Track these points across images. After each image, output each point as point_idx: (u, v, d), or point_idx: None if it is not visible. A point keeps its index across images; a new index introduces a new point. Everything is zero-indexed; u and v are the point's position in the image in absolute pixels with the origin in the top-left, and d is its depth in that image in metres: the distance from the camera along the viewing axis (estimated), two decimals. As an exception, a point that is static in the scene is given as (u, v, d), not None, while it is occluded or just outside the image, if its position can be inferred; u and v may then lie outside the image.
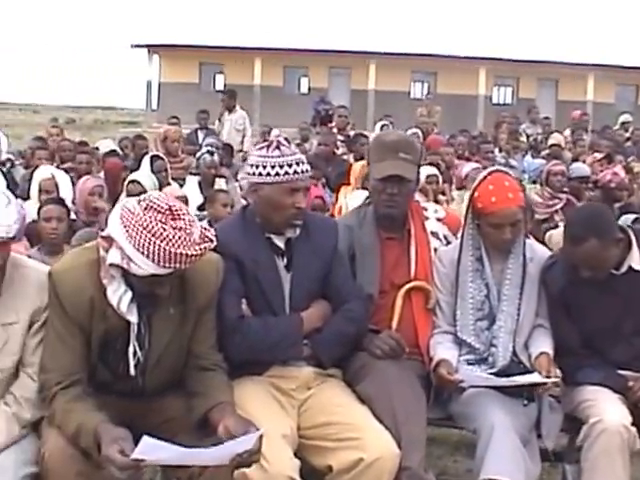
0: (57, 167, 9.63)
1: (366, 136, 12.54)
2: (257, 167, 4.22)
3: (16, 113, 42.15)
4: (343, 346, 4.38)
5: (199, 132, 15.01)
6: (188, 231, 3.56)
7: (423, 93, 39.16)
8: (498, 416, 4.22)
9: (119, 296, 3.70)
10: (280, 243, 4.30)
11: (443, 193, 9.60)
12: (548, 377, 4.40)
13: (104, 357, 3.86)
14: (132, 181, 7.61)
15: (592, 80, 37.25)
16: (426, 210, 5.05)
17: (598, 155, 11.59)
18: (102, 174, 9.92)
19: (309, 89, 38.61)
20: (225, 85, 38.59)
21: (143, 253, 3.53)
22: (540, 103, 35.80)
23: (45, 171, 8.18)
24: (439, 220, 5.06)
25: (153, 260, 3.53)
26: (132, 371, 3.84)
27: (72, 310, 3.74)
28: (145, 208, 3.57)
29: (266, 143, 4.25)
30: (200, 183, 9.41)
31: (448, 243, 5.13)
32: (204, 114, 15.59)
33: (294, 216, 4.22)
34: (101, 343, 3.81)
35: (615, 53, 35.70)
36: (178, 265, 3.55)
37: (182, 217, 3.58)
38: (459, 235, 4.99)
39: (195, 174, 9.92)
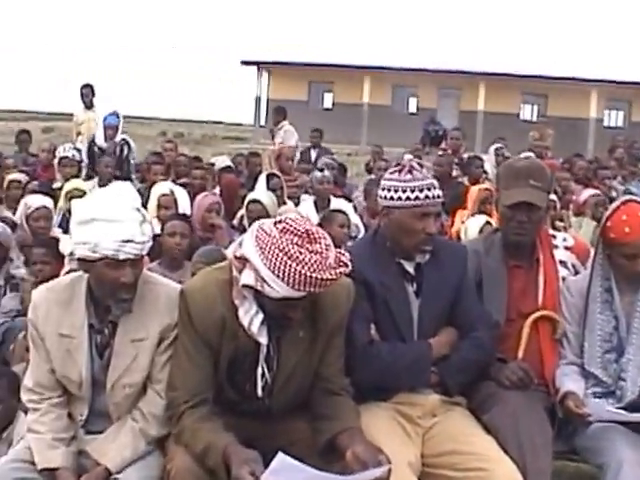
0: (173, 182, 9.77)
1: (481, 159, 12.43)
2: (388, 190, 4.22)
3: (124, 126, 42.75)
4: (470, 374, 4.34)
5: (312, 151, 15.04)
6: (324, 255, 3.56)
7: (533, 115, 38.88)
8: (627, 452, 4.12)
9: (250, 317, 3.71)
10: (410, 268, 4.28)
11: (561, 219, 9.46)
12: None
13: (231, 377, 3.88)
14: (253, 201, 7.65)
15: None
16: (555, 238, 4.96)
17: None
18: (217, 190, 10.03)
19: (417, 109, 38.49)
20: (334, 103, 38.80)
21: (278, 276, 3.53)
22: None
23: (163, 187, 8.29)
24: (567, 249, 4.98)
25: (288, 283, 3.52)
26: (259, 392, 3.86)
27: (203, 329, 3.78)
28: (282, 230, 3.58)
29: (399, 167, 4.25)
30: (316, 202, 9.42)
31: (576, 273, 5.03)
32: (316, 133, 15.62)
33: (424, 241, 4.20)
34: (229, 363, 3.84)
35: None
36: (313, 289, 3.55)
37: (319, 241, 3.59)
38: (588, 264, 4.90)
39: (310, 193, 9.96)
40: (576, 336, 4.69)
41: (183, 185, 9.44)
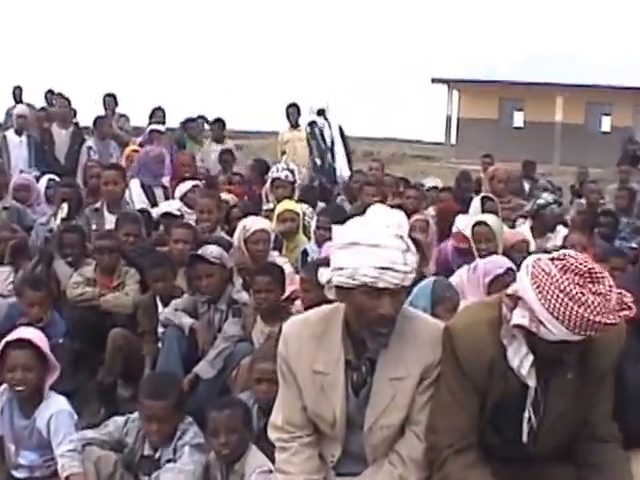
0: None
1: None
2: None
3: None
4: None
5: (524, 181, 14.47)
6: (607, 297, 3.26)
7: None
8: None
9: (520, 359, 3.45)
10: None
11: None
12: None
13: (495, 420, 3.62)
14: (479, 223, 7.35)
15: None
16: None
17: None
18: (430, 211, 9.80)
19: (611, 127, 37.41)
20: (525, 122, 38.14)
21: (557, 318, 3.26)
22: None
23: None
24: None
25: (567, 326, 3.25)
26: (524, 437, 3.58)
27: (470, 369, 3.53)
28: (562, 269, 3.30)
29: None
30: (532, 227, 9.02)
31: None
32: (531, 164, 15.07)
33: None
34: (495, 406, 3.58)
35: None
36: (593, 333, 3.27)
37: (602, 281, 3.29)
38: None
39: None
40: None
41: (395, 207, 9.22)
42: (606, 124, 38.35)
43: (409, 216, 8.46)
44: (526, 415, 3.55)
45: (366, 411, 3.67)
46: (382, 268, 3.46)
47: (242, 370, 5.66)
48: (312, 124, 13.17)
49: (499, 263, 5.81)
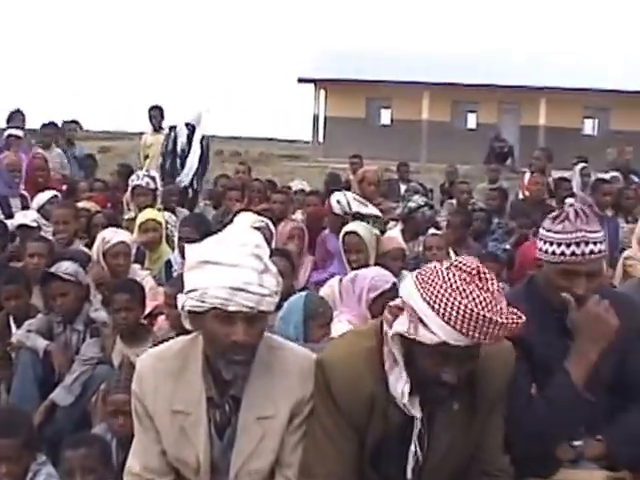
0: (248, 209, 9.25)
1: (569, 180, 11.81)
2: (540, 240, 3.69)
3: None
4: None
5: (400, 183, 14.32)
6: (495, 295, 2.99)
7: (595, 130, 38.09)
8: None
9: (402, 386, 3.14)
10: (570, 322, 3.65)
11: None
12: None
13: (375, 461, 3.29)
14: (349, 232, 7.01)
15: None
16: None
17: None
18: (298, 215, 9.52)
19: (477, 125, 37.87)
20: (392, 120, 38.32)
21: (439, 312, 2.97)
22: None
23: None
24: None
25: (450, 320, 2.96)
26: (409, 475, 3.26)
27: (347, 406, 3.20)
28: (448, 267, 3.04)
29: (557, 212, 3.66)
30: (403, 231, 8.77)
31: None
32: (405, 167, 15.03)
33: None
34: (376, 444, 3.25)
35: None
36: (478, 334, 2.95)
37: (490, 281, 3.03)
38: None
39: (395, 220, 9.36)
40: None
41: (262, 212, 8.87)
42: (472, 121, 38.83)
43: (276, 221, 8.25)
44: (412, 449, 3.24)
45: (232, 455, 3.29)
46: (234, 289, 3.09)
47: (101, 398, 5.23)
48: (172, 128, 12.64)
49: (385, 278, 5.46)
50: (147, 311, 6.12)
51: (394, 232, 8.66)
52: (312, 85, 38.06)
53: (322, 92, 38.47)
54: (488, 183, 14.31)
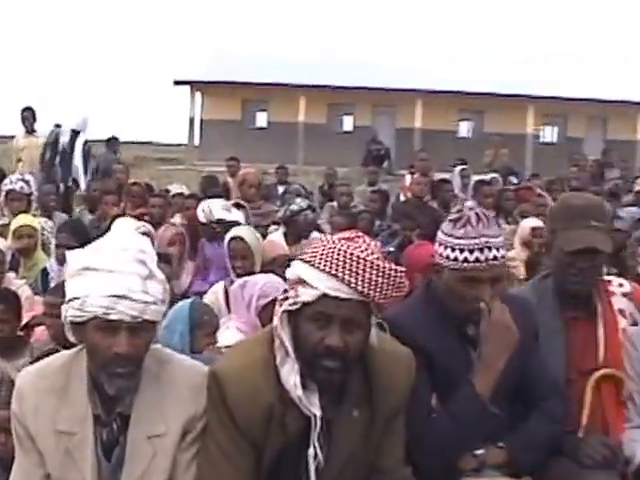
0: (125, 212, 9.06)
1: (449, 181, 11.86)
2: (439, 245, 3.59)
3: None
4: (544, 450, 3.67)
5: (279, 187, 14.25)
6: (374, 248, 3.04)
7: (469, 132, 38.64)
8: None
9: (293, 378, 3.05)
10: (471, 330, 3.59)
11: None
12: None
13: (273, 474, 3.15)
14: (234, 238, 6.83)
15: (642, 119, 36.37)
16: (610, 284, 4.32)
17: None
18: (177, 219, 9.36)
19: (354, 127, 38.02)
20: (268, 122, 38.23)
21: (314, 264, 2.97)
22: (588, 142, 35.33)
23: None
24: (625, 295, 4.32)
25: (325, 267, 2.94)
26: (313, 477, 3.11)
27: (244, 419, 3.05)
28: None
29: (456, 216, 3.57)
30: (286, 235, 8.65)
31: (634, 323, 4.36)
32: (283, 169, 15.01)
33: (474, 311, 3.52)
34: (274, 458, 3.11)
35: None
36: (356, 279, 2.93)
37: (369, 240, 3.06)
38: (645, 313, 4.30)
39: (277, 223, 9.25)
40: None
41: (140, 216, 8.66)
42: (348, 124, 38.95)
43: (155, 226, 8.07)
44: (311, 452, 3.08)
45: (121, 476, 3.09)
46: (115, 296, 2.93)
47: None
48: (57, 125, 12.33)
49: (276, 285, 5.30)
50: (24, 322, 5.85)
51: (276, 236, 8.56)
52: (188, 87, 37.68)
53: (198, 94, 38.11)
54: (367, 185, 14.34)
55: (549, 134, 39.50)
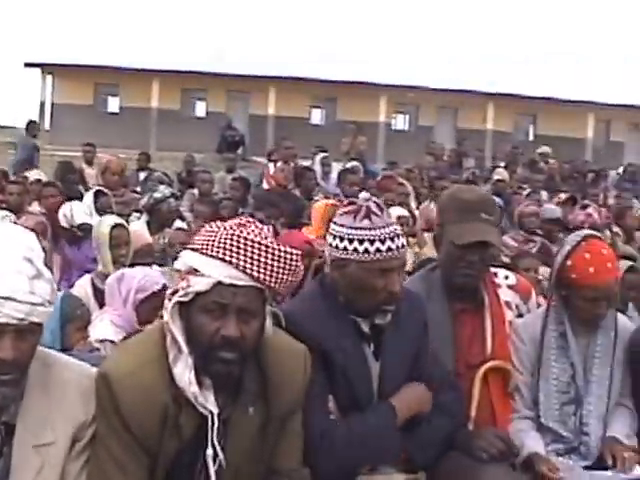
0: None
1: (312, 169, 11.79)
2: (341, 240, 3.44)
3: None
4: (441, 445, 3.63)
5: (140, 173, 13.98)
6: (265, 232, 2.98)
7: (322, 119, 38.81)
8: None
9: (188, 374, 2.91)
10: (366, 327, 3.50)
11: (414, 235, 8.93)
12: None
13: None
14: (115, 226, 6.57)
15: (491, 109, 37.18)
16: (496, 276, 4.31)
17: (563, 196, 11.17)
18: (35, 207, 9.05)
19: (207, 113, 37.72)
20: (120, 107, 37.59)
21: (205, 251, 2.89)
22: (439, 131, 35.98)
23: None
24: (510, 287, 4.33)
25: (217, 253, 2.87)
26: (213, 477, 2.97)
27: (137, 424, 2.89)
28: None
29: (352, 208, 3.46)
30: (149, 223, 8.44)
31: (519, 315, 4.38)
32: (144, 156, 14.80)
33: (386, 301, 3.44)
34: (169, 466, 2.97)
35: (514, 82, 35.72)
36: (249, 264, 2.87)
37: (259, 225, 3.00)
38: (530, 305, 4.34)
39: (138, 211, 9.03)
40: (529, 387, 4.11)
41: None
42: (201, 110, 38.61)
43: (14, 213, 7.78)
44: (209, 452, 2.94)
45: None
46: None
47: None
48: None
49: (155, 279, 5.12)
50: None
51: (139, 225, 8.37)
52: (39, 70, 36.71)
53: (49, 77, 37.17)
54: (225, 172, 14.20)
55: (401, 122, 39.98)
